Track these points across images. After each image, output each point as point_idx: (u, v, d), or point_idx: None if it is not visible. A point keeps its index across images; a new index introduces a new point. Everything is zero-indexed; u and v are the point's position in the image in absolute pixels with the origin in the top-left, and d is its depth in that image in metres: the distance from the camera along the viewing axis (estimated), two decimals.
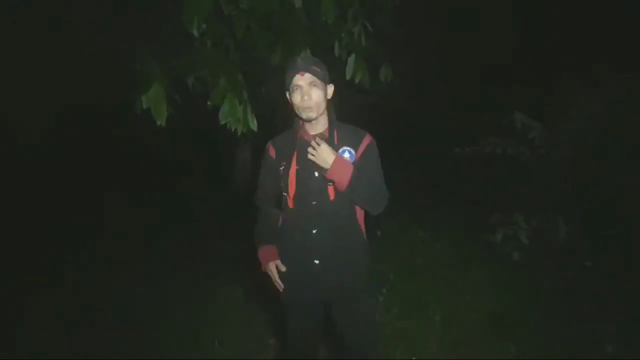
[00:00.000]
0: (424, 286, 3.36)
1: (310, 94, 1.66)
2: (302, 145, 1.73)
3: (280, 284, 1.82)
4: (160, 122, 2.15)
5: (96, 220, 4.95)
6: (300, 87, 1.66)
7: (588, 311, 2.94)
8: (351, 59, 2.78)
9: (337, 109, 1.86)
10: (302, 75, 1.66)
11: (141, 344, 2.85)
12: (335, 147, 1.71)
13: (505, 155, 3.81)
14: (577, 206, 3.73)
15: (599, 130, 3.81)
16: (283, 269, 1.80)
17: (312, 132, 1.75)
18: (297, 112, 1.71)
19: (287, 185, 1.74)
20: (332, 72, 1.80)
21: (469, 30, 6.21)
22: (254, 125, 2.43)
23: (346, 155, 1.72)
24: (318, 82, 1.68)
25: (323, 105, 1.71)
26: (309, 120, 1.71)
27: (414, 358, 2.60)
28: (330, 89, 1.76)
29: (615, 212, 3.68)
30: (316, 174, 1.71)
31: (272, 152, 1.83)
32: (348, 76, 2.80)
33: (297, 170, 1.73)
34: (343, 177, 1.65)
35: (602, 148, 3.82)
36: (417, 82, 6.28)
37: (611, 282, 3.22)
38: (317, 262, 1.75)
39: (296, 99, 1.68)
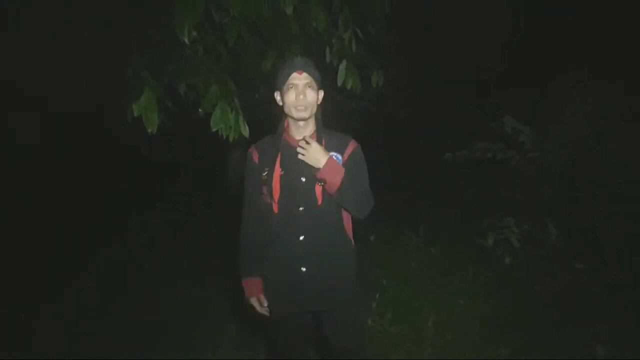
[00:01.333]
0: (417, 291, 3.36)
1: (305, 93, 1.66)
2: (287, 149, 1.73)
3: (265, 313, 1.84)
4: (152, 129, 2.15)
5: (93, 224, 4.93)
6: (296, 85, 1.67)
7: (580, 313, 2.96)
8: (342, 65, 2.79)
9: (327, 114, 1.86)
10: (300, 74, 1.67)
11: (135, 347, 2.84)
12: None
13: (495, 159, 3.84)
14: (568, 209, 3.76)
15: (590, 134, 3.86)
16: (265, 304, 1.82)
17: (298, 137, 1.73)
18: (287, 111, 1.70)
19: (271, 190, 1.71)
20: (323, 78, 1.81)
21: (460, 36, 6.26)
22: (245, 131, 2.43)
23: None
24: (313, 83, 1.69)
25: (315, 108, 1.71)
26: (301, 120, 1.70)
27: None
28: (321, 94, 1.76)
29: (606, 215, 3.72)
30: (303, 179, 1.70)
31: (255, 157, 1.80)
32: (339, 82, 2.81)
33: (281, 175, 1.71)
34: (335, 177, 1.64)
35: (593, 152, 3.86)
36: (409, 88, 6.31)
37: (602, 284, 3.24)
38: (304, 269, 1.72)
39: (290, 97, 1.67)
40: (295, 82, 1.67)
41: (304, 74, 1.67)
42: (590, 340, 2.68)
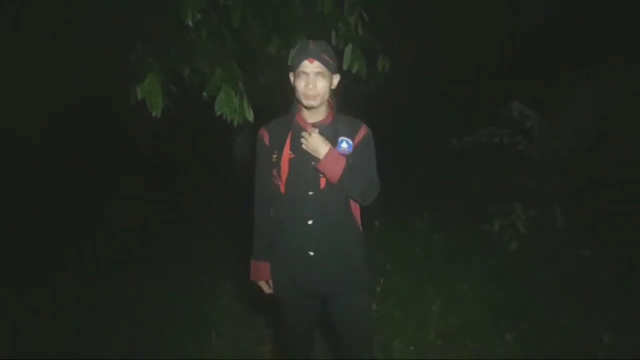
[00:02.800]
0: (422, 276, 3.37)
1: (315, 83, 1.62)
2: (297, 132, 1.71)
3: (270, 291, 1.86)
4: (156, 113, 2.15)
5: (93, 217, 4.96)
6: (306, 74, 1.62)
7: (585, 300, 2.95)
8: (348, 49, 2.75)
9: (340, 99, 1.84)
10: (311, 62, 1.62)
11: (138, 337, 2.86)
12: (335, 137, 1.70)
13: (502, 144, 3.80)
14: (575, 196, 3.73)
15: (599, 121, 3.81)
16: (270, 289, 1.85)
17: (311, 121, 1.72)
18: (297, 97, 1.68)
19: (279, 172, 1.70)
20: (338, 63, 1.77)
21: (468, 20, 6.18)
22: (250, 116, 2.42)
23: (344, 145, 1.69)
24: (325, 71, 1.64)
25: (326, 95, 1.68)
26: (309, 108, 1.69)
27: (411, 347, 2.62)
28: (336, 79, 1.73)
29: (614, 201, 3.69)
30: (313, 163, 1.67)
31: (266, 139, 1.77)
32: (345, 66, 2.78)
33: (291, 158, 1.70)
34: (335, 169, 1.63)
35: (602, 139, 3.82)
36: (415, 73, 6.24)
37: (609, 272, 3.22)
38: (312, 253, 1.72)
39: (300, 85, 1.64)
40: (306, 70, 1.62)
41: (316, 62, 1.62)
42: (595, 327, 2.67)
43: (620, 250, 3.39)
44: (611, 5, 5.26)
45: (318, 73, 1.63)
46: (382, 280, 3.28)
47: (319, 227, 1.71)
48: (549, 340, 2.63)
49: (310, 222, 1.71)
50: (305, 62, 1.62)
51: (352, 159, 1.69)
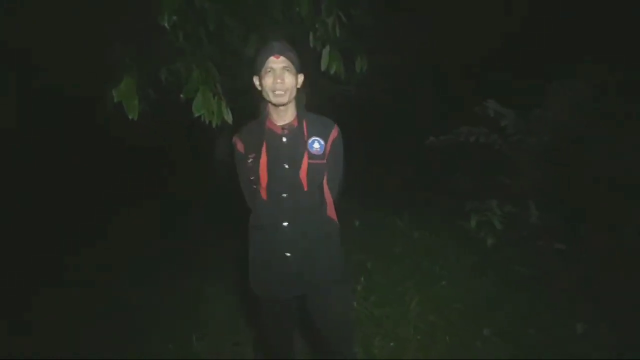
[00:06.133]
0: (401, 274, 3.42)
1: (283, 77, 1.65)
2: (271, 137, 1.73)
3: None
4: (133, 116, 2.13)
5: (87, 222, 4.90)
6: (273, 69, 1.65)
7: (559, 292, 3.04)
8: (326, 50, 2.78)
9: (309, 99, 1.86)
10: (277, 58, 1.65)
11: (120, 339, 2.87)
12: (305, 138, 1.72)
13: (478, 143, 3.86)
14: (549, 191, 3.82)
15: (572, 117, 3.90)
16: None
17: (280, 123, 1.73)
18: (266, 96, 1.69)
19: (257, 177, 1.72)
20: (307, 63, 1.80)
21: (445, 20, 6.26)
22: (229, 117, 2.42)
23: (316, 145, 1.72)
24: (292, 67, 1.67)
25: (294, 92, 1.70)
26: (279, 105, 1.69)
27: (391, 344, 2.65)
28: (301, 78, 1.75)
29: (586, 196, 3.79)
30: (286, 165, 1.70)
31: (240, 147, 1.79)
32: (323, 67, 2.80)
33: (267, 162, 1.71)
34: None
35: (576, 135, 3.91)
36: (393, 73, 6.30)
37: (582, 265, 3.32)
38: (288, 254, 1.73)
39: (268, 81, 1.66)
40: (273, 65, 1.65)
41: (282, 58, 1.65)
42: (569, 318, 2.76)
43: (593, 243, 3.49)
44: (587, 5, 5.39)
45: (284, 68, 1.66)
46: (362, 279, 3.31)
47: (295, 228, 1.73)
48: (526, 333, 2.70)
49: (285, 223, 1.73)
50: (272, 58, 1.65)
51: (327, 159, 1.73)
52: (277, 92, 1.65)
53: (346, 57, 2.89)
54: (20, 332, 2.94)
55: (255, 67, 1.70)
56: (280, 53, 1.65)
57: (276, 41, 1.70)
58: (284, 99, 1.67)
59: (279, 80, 1.64)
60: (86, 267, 3.97)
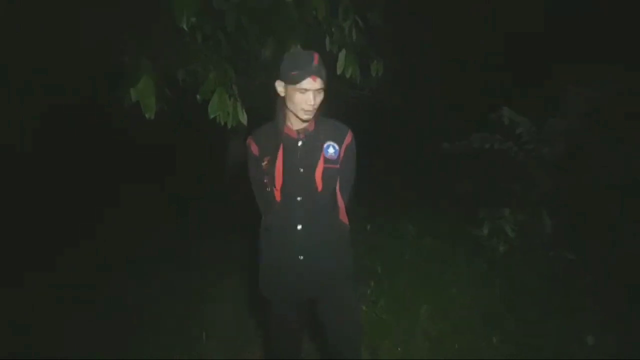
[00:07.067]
0: (411, 280, 3.40)
1: (316, 100, 1.62)
2: (287, 141, 1.73)
3: None
4: (149, 115, 2.16)
5: (88, 217, 4.95)
6: (308, 91, 1.59)
7: (571, 303, 3.01)
8: (342, 54, 2.79)
9: (326, 103, 1.87)
10: (315, 80, 1.58)
11: (128, 337, 2.88)
12: (321, 143, 1.73)
13: (493, 150, 3.85)
14: (563, 201, 3.79)
15: (586, 125, 3.87)
16: None
17: (296, 127, 1.74)
18: (292, 109, 1.65)
19: (273, 178, 1.72)
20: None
21: (460, 26, 6.24)
22: (244, 119, 2.45)
23: (330, 150, 1.73)
24: (323, 86, 1.63)
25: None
26: (304, 121, 1.70)
27: (399, 349, 2.65)
28: None
29: (600, 206, 3.75)
30: (301, 169, 1.71)
31: (254, 149, 1.78)
32: (339, 71, 2.81)
33: (282, 165, 1.72)
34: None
35: (589, 143, 3.88)
36: (408, 77, 6.29)
37: (594, 275, 3.29)
38: (301, 257, 1.75)
39: (299, 99, 1.60)
40: (309, 87, 1.58)
41: (319, 80, 1.59)
42: (580, 329, 2.73)
43: (605, 254, 3.46)
44: (603, 9, 5.34)
45: (318, 90, 1.62)
46: (372, 283, 3.31)
47: (308, 231, 1.74)
48: (535, 342, 2.68)
49: (299, 227, 1.74)
50: (309, 80, 1.58)
51: (341, 164, 1.74)
52: (307, 112, 1.63)
53: (361, 61, 2.90)
54: (19, 332, 2.93)
55: (286, 76, 1.61)
56: (318, 75, 1.59)
57: (315, 62, 1.59)
58: (311, 116, 1.66)
59: (312, 102, 1.60)
60: (86, 267, 3.98)
